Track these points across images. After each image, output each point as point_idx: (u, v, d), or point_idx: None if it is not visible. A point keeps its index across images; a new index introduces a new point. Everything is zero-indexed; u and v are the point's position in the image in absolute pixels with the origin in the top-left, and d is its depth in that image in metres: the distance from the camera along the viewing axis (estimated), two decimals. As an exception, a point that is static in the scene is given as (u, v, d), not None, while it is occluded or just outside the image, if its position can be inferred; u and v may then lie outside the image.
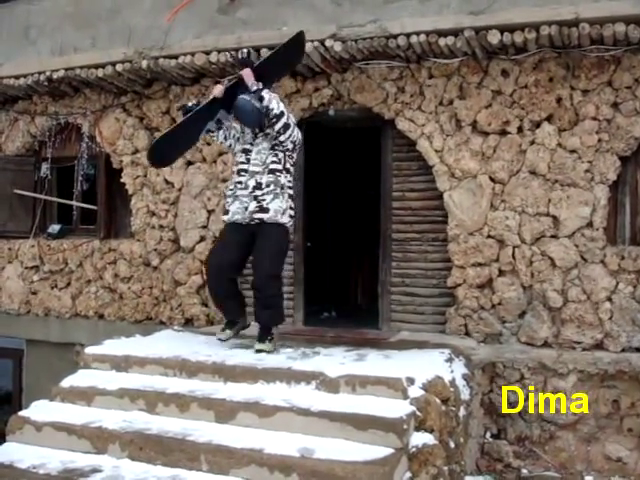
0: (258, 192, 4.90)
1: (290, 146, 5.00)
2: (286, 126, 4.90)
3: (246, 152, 5.05)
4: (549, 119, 5.53)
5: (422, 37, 5.39)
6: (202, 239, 6.67)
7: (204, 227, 6.68)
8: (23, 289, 7.61)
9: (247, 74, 4.98)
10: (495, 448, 5.47)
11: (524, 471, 5.39)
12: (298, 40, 5.27)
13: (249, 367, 4.47)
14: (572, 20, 5.03)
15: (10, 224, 7.74)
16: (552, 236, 5.50)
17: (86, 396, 4.51)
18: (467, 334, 5.70)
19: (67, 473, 3.74)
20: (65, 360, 6.72)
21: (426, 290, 6.03)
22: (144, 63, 6.37)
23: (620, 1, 4.96)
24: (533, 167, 5.55)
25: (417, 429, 3.89)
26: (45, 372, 7.08)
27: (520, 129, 5.61)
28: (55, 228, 7.62)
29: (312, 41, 5.63)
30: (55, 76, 6.90)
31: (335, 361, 4.62)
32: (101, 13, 6.89)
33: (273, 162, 4.95)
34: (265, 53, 5.71)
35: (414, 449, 3.74)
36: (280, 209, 4.91)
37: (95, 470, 3.73)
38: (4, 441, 4.29)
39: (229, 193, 5.12)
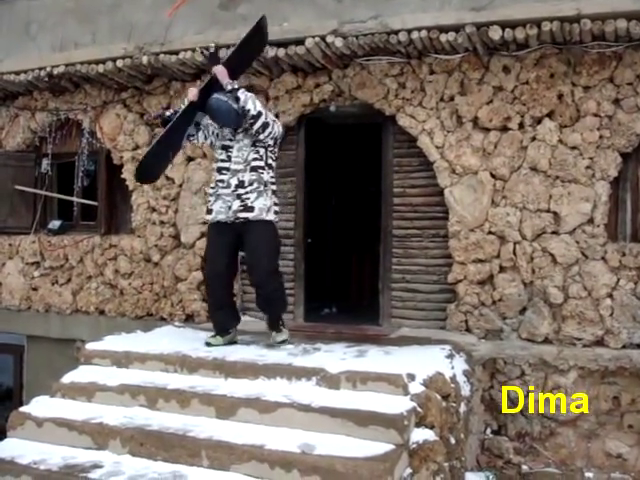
0: (241, 190, 4.86)
1: (271, 142, 4.97)
2: (265, 125, 4.85)
3: (227, 149, 5.00)
4: (550, 115, 5.51)
5: (423, 33, 5.38)
6: (203, 235, 6.64)
7: (205, 223, 6.64)
8: (24, 285, 7.60)
9: (221, 72, 4.88)
10: (495, 444, 5.48)
11: (524, 467, 5.41)
12: (261, 26, 5.17)
13: (250, 363, 4.47)
14: (573, 16, 5.03)
15: (11, 220, 7.72)
16: (553, 232, 5.49)
17: (87, 392, 4.52)
18: (468, 330, 5.69)
19: (68, 469, 3.75)
20: (66, 356, 6.72)
21: (427, 286, 6.03)
22: (145, 59, 6.36)
23: (622, -3, 4.96)
24: (534, 163, 5.54)
25: (418, 425, 3.89)
26: (46, 368, 7.07)
27: (521, 125, 5.59)
28: (56, 224, 7.60)
29: (313, 37, 5.63)
30: (55, 72, 6.89)
31: (336, 357, 4.63)
32: (101, 8, 6.88)
33: (255, 159, 4.91)
34: (266, 51, 5.71)
35: (415, 445, 3.75)
36: (265, 207, 4.88)
37: (96, 466, 3.74)
38: (5, 437, 4.30)
39: (211, 192, 5.07)
